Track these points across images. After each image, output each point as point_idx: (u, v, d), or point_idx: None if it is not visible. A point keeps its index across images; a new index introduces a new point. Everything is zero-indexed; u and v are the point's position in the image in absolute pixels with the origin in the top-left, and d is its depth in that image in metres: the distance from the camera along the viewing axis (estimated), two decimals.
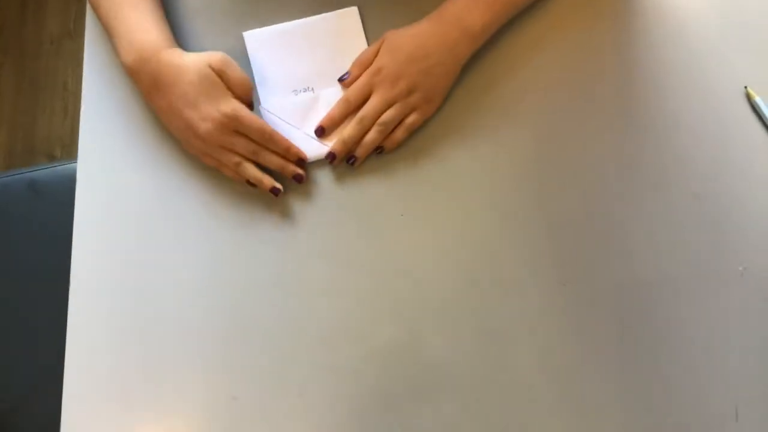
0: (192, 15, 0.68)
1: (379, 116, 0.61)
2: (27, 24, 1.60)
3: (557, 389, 0.56)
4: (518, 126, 0.63)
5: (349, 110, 0.63)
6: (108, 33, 0.62)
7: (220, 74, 0.59)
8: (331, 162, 0.62)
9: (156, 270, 0.60)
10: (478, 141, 0.63)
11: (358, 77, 0.63)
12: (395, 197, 0.62)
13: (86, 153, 0.64)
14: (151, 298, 0.59)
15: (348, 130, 0.62)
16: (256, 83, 0.65)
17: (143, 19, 0.61)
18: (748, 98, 0.63)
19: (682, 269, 0.59)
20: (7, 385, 0.83)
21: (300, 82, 0.65)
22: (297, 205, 0.62)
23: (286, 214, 0.62)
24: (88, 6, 0.67)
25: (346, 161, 0.62)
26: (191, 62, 0.59)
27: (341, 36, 0.66)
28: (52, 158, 1.49)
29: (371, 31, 0.66)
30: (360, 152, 0.62)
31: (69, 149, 1.50)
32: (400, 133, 0.62)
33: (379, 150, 0.62)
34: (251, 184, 0.61)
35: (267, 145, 0.60)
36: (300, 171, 0.61)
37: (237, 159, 0.60)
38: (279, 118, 0.64)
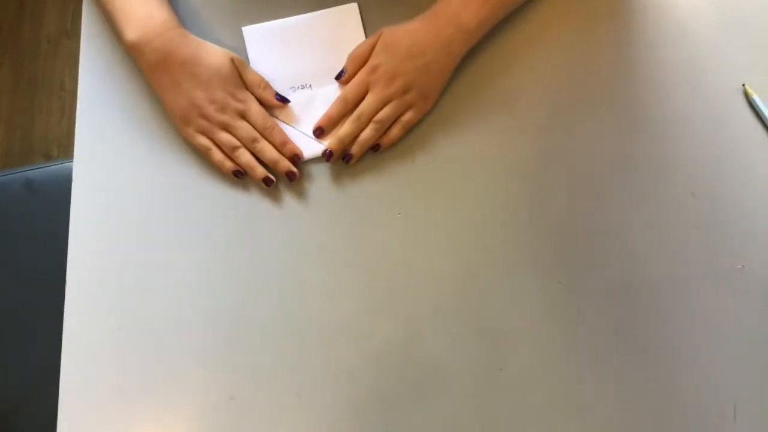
0: (191, 10, 0.67)
1: (376, 114, 0.61)
2: (24, 23, 1.60)
3: (556, 388, 0.56)
4: (516, 124, 0.63)
5: (346, 109, 0.63)
6: (109, 14, 0.62)
7: (239, 70, 0.62)
8: (327, 159, 0.62)
9: (152, 269, 0.60)
10: (476, 138, 0.63)
11: (354, 74, 0.63)
12: (393, 196, 0.62)
13: (82, 152, 0.64)
14: (147, 297, 0.59)
15: (344, 128, 0.62)
16: None
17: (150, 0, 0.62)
18: (746, 96, 0.63)
19: (680, 267, 0.59)
20: (6, 385, 0.83)
21: (298, 78, 0.65)
22: (295, 204, 0.62)
23: (283, 213, 0.62)
24: (84, 5, 0.67)
25: (342, 159, 0.62)
26: (213, 49, 0.61)
27: (341, 32, 0.66)
28: (49, 158, 1.49)
29: (371, 27, 0.66)
30: (356, 150, 0.62)
31: (66, 149, 1.50)
32: (396, 131, 0.62)
33: (375, 148, 0.62)
34: (238, 174, 0.61)
35: (267, 135, 0.61)
36: (293, 169, 0.61)
37: (236, 143, 0.61)
38: (276, 117, 0.64)
